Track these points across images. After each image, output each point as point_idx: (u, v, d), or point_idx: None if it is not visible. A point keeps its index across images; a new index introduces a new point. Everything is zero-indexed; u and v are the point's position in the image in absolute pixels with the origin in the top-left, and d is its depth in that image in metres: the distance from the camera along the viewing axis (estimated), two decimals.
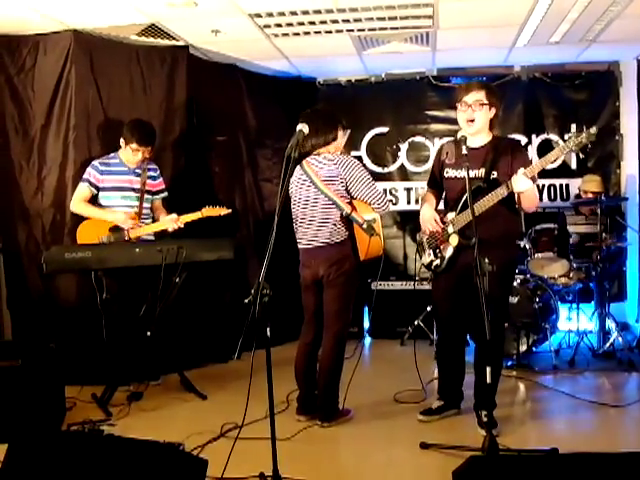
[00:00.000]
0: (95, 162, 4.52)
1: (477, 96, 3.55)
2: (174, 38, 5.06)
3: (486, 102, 3.56)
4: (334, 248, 3.76)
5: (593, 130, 3.37)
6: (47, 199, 4.79)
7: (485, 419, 3.28)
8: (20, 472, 2.19)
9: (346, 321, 3.86)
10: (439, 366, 4.05)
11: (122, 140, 4.52)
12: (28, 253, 4.80)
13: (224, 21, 4.68)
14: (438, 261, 3.79)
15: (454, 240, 3.66)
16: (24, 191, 4.81)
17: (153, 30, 4.83)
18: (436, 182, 3.91)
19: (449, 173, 3.76)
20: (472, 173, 3.52)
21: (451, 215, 3.71)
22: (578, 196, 5.81)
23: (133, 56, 5.02)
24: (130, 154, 4.51)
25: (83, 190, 4.50)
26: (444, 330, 3.99)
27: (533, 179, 3.46)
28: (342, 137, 3.90)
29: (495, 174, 3.57)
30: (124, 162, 4.55)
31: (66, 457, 2.26)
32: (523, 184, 3.39)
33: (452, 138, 3.83)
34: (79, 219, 4.53)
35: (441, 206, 3.98)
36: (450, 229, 3.70)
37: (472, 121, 3.57)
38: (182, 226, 4.50)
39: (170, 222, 4.49)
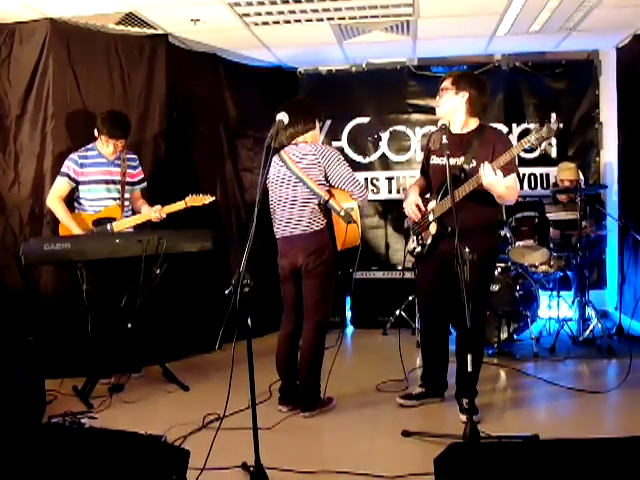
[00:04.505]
0: (73, 155, 4.43)
1: (443, 83, 3.71)
2: (153, 27, 5.01)
3: (450, 87, 3.65)
4: (312, 237, 3.74)
5: (553, 125, 3.31)
6: (25, 190, 4.70)
7: (466, 406, 3.30)
8: (0, 465, 2.17)
9: (326, 311, 3.85)
10: (423, 354, 4.07)
11: (96, 131, 4.45)
12: (5, 245, 4.71)
13: (203, 10, 4.64)
14: (419, 248, 3.83)
15: (433, 228, 3.71)
16: (1, 182, 4.72)
17: (131, 19, 4.78)
18: (424, 169, 4.00)
19: (434, 160, 3.81)
20: (452, 161, 3.52)
21: (432, 203, 3.75)
22: (555, 184, 5.82)
23: (111, 45, 4.96)
24: (104, 146, 4.45)
25: (61, 185, 4.41)
26: (427, 318, 3.99)
27: (509, 171, 3.44)
28: (318, 128, 3.94)
29: (474, 162, 3.57)
30: (102, 153, 4.47)
31: (47, 450, 2.24)
32: (490, 177, 3.36)
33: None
34: None
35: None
36: (431, 217, 3.74)
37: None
38: (164, 217, 4.47)
39: (154, 213, 4.45)
